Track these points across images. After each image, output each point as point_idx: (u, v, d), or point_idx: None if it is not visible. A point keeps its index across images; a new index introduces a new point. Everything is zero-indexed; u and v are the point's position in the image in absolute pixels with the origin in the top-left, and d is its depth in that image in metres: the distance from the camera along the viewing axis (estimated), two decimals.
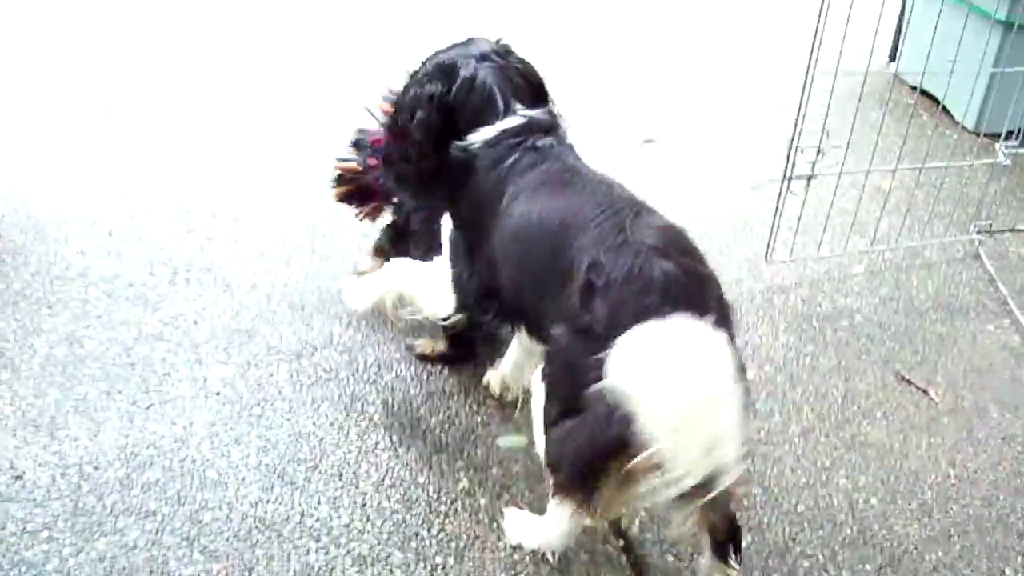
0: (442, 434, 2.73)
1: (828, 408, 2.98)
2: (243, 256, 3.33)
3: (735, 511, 2.27)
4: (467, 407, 2.82)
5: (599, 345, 1.90)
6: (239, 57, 4.64)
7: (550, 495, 2.24)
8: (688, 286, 1.97)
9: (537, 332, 2.33)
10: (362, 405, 2.79)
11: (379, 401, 2.81)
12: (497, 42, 2.53)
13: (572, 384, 2.01)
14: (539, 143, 2.36)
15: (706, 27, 5.57)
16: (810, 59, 3.18)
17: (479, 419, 2.79)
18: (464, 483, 2.60)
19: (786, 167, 3.41)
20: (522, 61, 2.51)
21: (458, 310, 2.54)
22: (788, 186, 3.44)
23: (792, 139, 3.34)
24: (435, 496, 2.55)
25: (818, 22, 3.10)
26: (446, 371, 2.93)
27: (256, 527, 2.42)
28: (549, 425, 2.14)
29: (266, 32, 4.95)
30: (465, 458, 2.67)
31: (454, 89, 2.41)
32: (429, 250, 2.64)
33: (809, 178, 3.45)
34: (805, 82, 3.23)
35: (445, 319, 2.57)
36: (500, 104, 2.40)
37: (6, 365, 2.84)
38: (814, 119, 3.25)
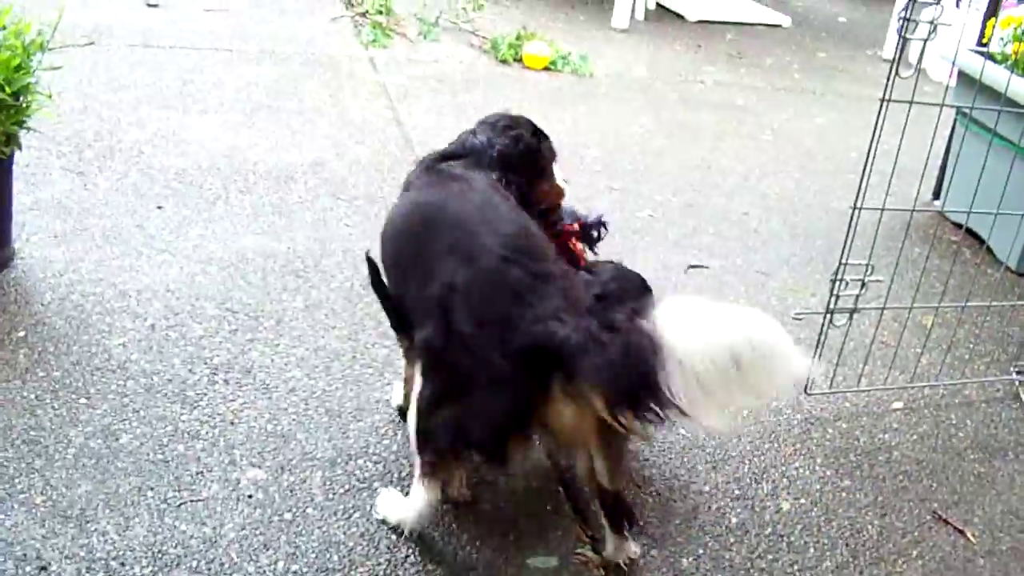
0: (473, 552, 2.70)
1: (863, 544, 2.94)
2: (283, 360, 3.34)
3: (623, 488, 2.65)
4: (498, 526, 2.79)
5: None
6: (288, 159, 4.70)
7: (417, 477, 2.60)
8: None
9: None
10: None
11: None
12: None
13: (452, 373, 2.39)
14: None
15: (757, 158, 5.61)
16: (857, 194, 3.20)
17: (510, 538, 2.76)
18: None
19: (829, 300, 3.41)
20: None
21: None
22: (830, 319, 3.44)
23: (836, 272, 3.34)
24: None
25: (867, 159, 3.12)
26: (479, 485, 2.91)
27: None
28: (428, 412, 2.47)
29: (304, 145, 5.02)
30: None
31: None
32: None
33: (852, 311, 3.44)
34: (852, 217, 3.24)
35: None
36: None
37: (40, 454, 2.84)
38: (859, 253, 3.25)
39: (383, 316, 3.30)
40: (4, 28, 3.40)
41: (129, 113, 4.87)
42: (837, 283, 3.39)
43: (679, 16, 7.93)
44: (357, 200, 4.43)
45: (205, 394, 3.15)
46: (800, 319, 3.83)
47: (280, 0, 6.87)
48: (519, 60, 6.32)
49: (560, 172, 3.05)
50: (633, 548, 2.72)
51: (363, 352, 3.43)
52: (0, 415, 2.98)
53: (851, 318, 3.45)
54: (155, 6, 6.33)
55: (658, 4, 7.91)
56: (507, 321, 2.32)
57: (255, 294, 3.67)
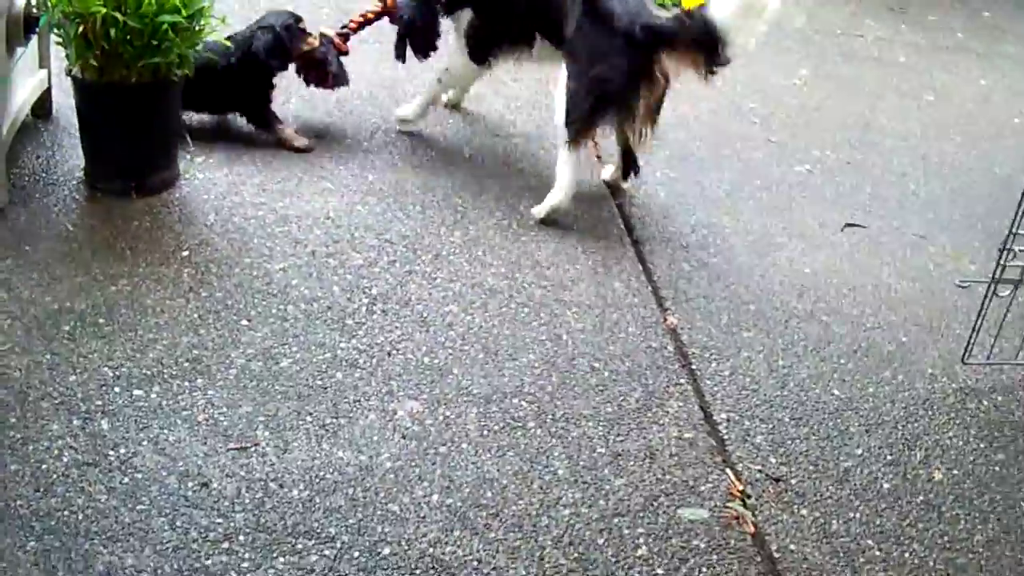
0: (625, 497, 2.68)
1: (1015, 520, 2.84)
2: (441, 294, 3.34)
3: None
4: (652, 473, 2.76)
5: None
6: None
7: (565, 150, 3.82)
8: None
9: (554, 37, 3.92)
10: (547, 458, 2.76)
11: (564, 456, 2.77)
12: None
13: (595, 54, 3.73)
14: None
15: (918, 118, 5.43)
16: None
17: (664, 487, 2.73)
18: (643, 550, 2.54)
19: (995, 269, 3.28)
20: None
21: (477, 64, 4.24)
22: (994, 288, 3.31)
23: (1005, 241, 3.21)
24: (612, 559, 2.50)
25: None
26: (634, 432, 2.88)
27: (433, 568, 2.40)
28: (575, 90, 3.76)
29: None
30: (646, 525, 2.61)
31: None
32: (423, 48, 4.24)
33: (1017, 283, 3.32)
34: None
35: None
36: None
37: (203, 372, 2.89)
38: None
39: (540, 256, 3.50)
40: None
41: None
42: (1004, 252, 3.26)
43: None
44: (515, 138, 4.40)
45: (363, 323, 3.17)
46: (964, 287, 3.70)
47: None
48: (677, 4, 6.18)
49: None
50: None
51: (520, 290, 3.41)
52: (166, 331, 3.03)
53: (1016, 289, 3.32)
54: None
55: None
56: (635, 14, 3.66)
57: (413, 226, 3.67)
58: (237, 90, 3.95)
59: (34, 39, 3.62)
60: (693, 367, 3.21)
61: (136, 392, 2.80)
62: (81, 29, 3.31)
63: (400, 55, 4.25)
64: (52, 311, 3.08)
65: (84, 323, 3.04)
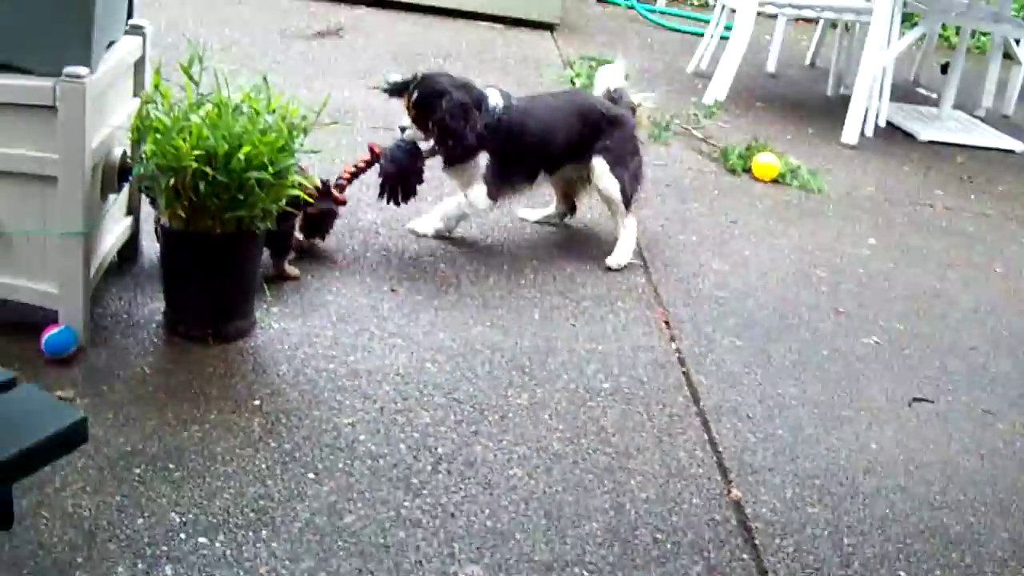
0: None
1: None
2: (505, 456, 3.36)
3: None
4: None
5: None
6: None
7: (625, 221, 4.90)
8: None
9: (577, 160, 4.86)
10: None
11: None
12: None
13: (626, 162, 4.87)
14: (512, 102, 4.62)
15: (987, 290, 5.42)
16: None
17: None
18: None
19: None
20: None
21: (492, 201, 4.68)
22: None
23: None
24: None
25: None
26: None
27: None
28: (624, 177, 4.86)
29: None
30: None
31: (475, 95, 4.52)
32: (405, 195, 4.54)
33: None
34: None
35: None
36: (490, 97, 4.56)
37: (267, 524, 2.92)
38: None
39: (605, 423, 3.56)
40: (273, 112, 3.54)
41: (369, 194, 5.01)
42: None
43: (909, 135, 7.77)
44: (584, 301, 4.45)
45: (428, 482, 3.19)
46: None
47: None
48: (747, 170, 6.28)
49: None
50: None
51: (585, 457, 3.43)
52: (234, 480, 3.07)
53: None
54: None
55: (888, 122, 7.76)
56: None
57: (482, 387, 3.71)
58: None
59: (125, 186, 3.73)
60: (756, 542, 3.19)
61: (201, 540, 2.83)
62: (172, 181, 3.42)
63: (391, 198, 4.56)
64: (125, 452, 3.13)
65: (155, 467, 3.09)
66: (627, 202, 4.85)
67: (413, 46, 7.73)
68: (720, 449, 3.61)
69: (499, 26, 8.74)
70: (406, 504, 3.09)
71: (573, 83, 7.05)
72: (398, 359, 3.80)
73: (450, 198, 4.77)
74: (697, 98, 7.54)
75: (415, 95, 4.48)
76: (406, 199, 4.58)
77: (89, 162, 3.39)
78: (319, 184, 4.14)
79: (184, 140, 3.38)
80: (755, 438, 3.70)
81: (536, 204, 5.23)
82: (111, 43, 3.65)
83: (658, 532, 3.15)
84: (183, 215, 3.51)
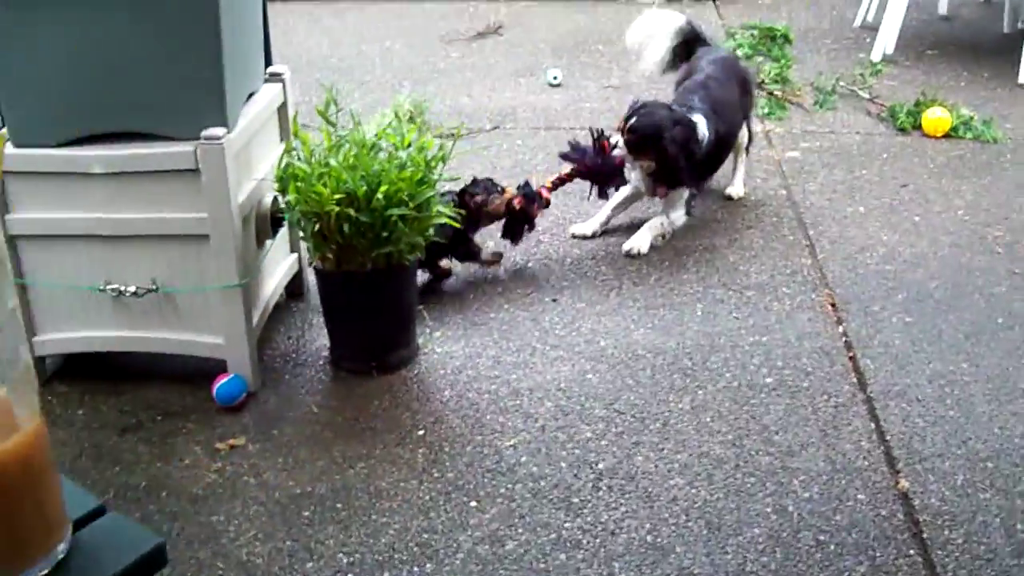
0: None
1: None
2: (667, 466, 3.36)
3: None
4: None
5: None
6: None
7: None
8: None
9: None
10: None
11: None
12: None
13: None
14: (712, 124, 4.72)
15: None
16: None
17: None
18: None
19: None
20: None
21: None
22: None
23: None
24: None
25: None
26: None
27: None
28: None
29: None
30: None
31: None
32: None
33: None
34: None
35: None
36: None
37: (431, 557, 3.01)
38: None
39: (768, 420, 3.53)
40: (409, 146, 3.62)
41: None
42: None
43: None
44: (748, 290, 4.39)
45: (589, 501, 3.22)
46: None
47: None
48: (918, 127, 6.07)
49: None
50: None
51: (747, 460, 3.40)
52: (398, 515, 3.17)
53: None
54: (557, 86, 6.55)
55: None
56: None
57: (643, 394, 3.72)
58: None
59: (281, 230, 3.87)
60: (924, 536, 3.11)
61: None
62: (317, 227, 3.53)
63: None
64: (295, 495, 3.27)
65: (323, 508, 3.22)
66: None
67: (572, 36, 7.74)
68: (887, 437, 3.52)
69: (661, 2, 8.62)
70: (567, 525, 3.13)
71: (736, 53, 6.91)
72: (559, 372, 3.84)
73: (654, 219, 4.84)
74: (865, 54, 7.32)
75: (632, 123, 4.57)
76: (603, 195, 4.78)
77: (237, 217, 3.53)
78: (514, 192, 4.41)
79: (324, 185, 3.48)
80: (924, 422, 3.59)
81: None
82: (251, 95, 3.77)
83: (821, 533, 3.11)
84: (332, 256, 3.61)
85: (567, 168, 4.62)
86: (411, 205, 3.53)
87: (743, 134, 5.12)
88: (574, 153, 4.59)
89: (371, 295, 3.71)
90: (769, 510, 3.20)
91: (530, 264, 4.59)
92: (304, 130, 3.81)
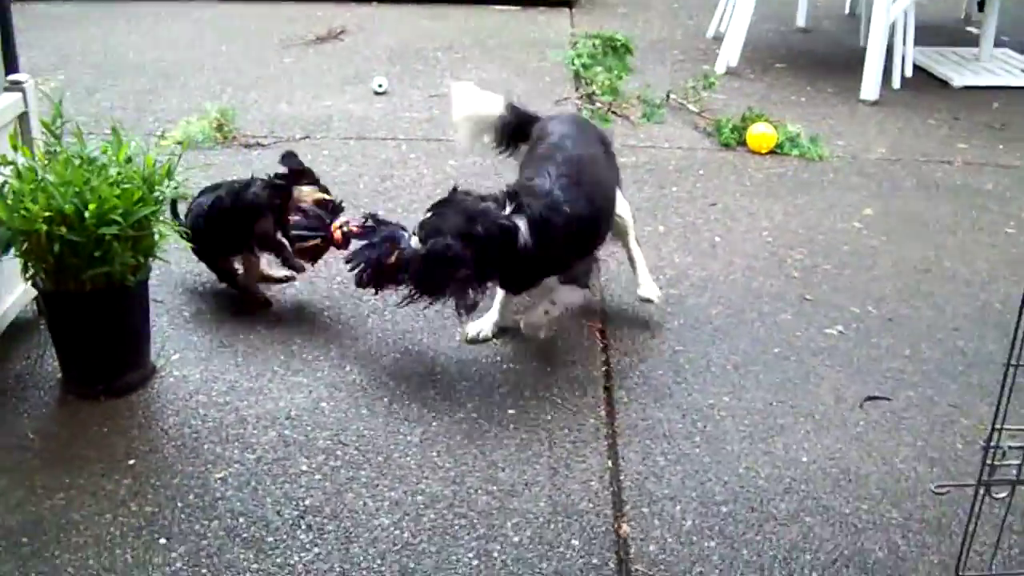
0: None
1: None
2: (376, 504, 3.24)
3: None
4: None
5: None
6: None
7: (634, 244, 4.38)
8: None
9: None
10: None
11: None
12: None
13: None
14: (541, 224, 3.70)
15: (988, 258, 5.06)
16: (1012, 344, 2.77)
17: None
18: None
19: (981, 470, 2.95)
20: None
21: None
22: (984, 491, 2.97)
23: (989, 438, 2.89)
24: None
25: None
26: None
27: None
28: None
29: None
30: None
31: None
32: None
33: (1014, 483, 2.97)
34: (1008, 366, 2.81)
35: None
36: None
37: None
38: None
39: (498, 456, 3.44)
40: (130, 161, 3.46)
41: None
42: (992, 451, 2.93)
43: (943, 82, 7.33)
44: (515, 315, 4.26)
45: (283, 541, 3.09)
46: (942, 493, 3.37)
47: (511, 83, 6.81)
48: (744, 143, 6.00)
49: None
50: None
51: (463, 498, 3.28)
52: (81, 552, 3.02)
53: (1013, 491, 2.97)
54: (382, 93, 6.40)
55: (922, 69, 7.32)
56: None
57: (375, 424, 3.59)
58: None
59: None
60: None
61: None
62: (26, 246, 3.36)
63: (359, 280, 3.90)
64: None
65: (8, 541, 3.06)
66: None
67: (414, 42, 7.61)
68: (622, 477, 3.42)
69: (515, 8, 8.53)
70: (253, 567, 3.00)
71: (573, 63, 6.81)
72: (293, 400, 3.71)
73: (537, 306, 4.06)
74: (711, 66, 7.23)
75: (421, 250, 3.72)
76: (374, 287, 3.92)
77: None
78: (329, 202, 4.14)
79: (34, 202, 3.30)
80: (665, 460, 3.49)
81: None
82: None
83: None
84: (47, 276, 3.44)
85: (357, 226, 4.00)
86: (127, 223, 3.35)
87: (624, 208, 4.25)
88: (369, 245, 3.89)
89: (93, 317, 3.55)
90: (471, 555, 3.07)
91: (297, 283, 4.44)
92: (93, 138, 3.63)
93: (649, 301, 4.28)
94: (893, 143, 6.26)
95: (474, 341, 4.08)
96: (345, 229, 4.00)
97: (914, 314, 4.47)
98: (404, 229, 3.85)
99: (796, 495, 3.37)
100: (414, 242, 3.72)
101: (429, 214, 3.75)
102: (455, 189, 3.86)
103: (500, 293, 4.08)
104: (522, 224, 3.67)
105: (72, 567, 2.97)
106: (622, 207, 4.22)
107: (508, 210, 3.69)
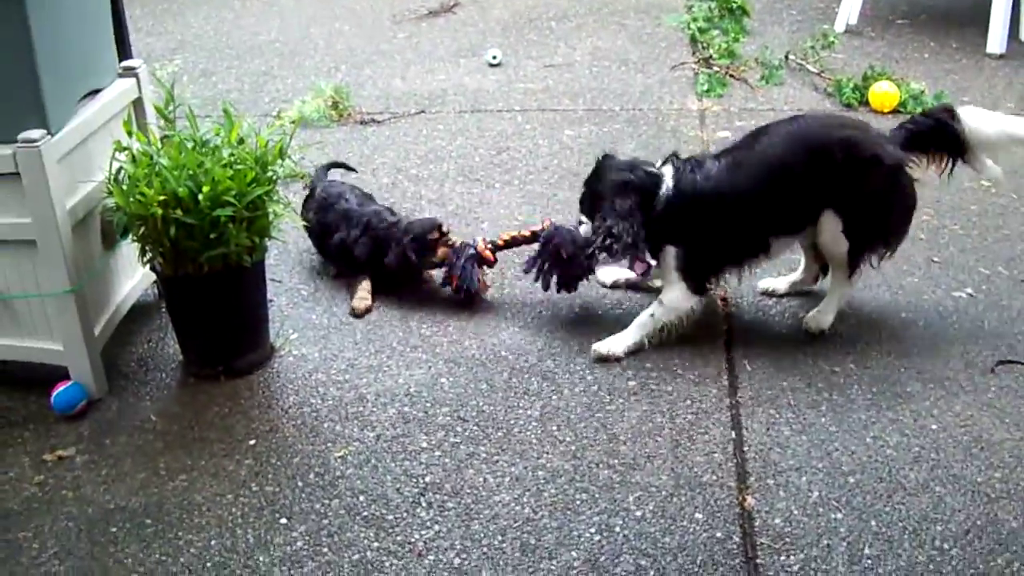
0: None
1: None
2: (497, 480, 3.22)
3: None
4: None
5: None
6: None
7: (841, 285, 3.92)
8: None
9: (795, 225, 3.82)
10: None
11: None
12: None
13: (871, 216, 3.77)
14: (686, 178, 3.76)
15: None
16: None
17: None
18: None
19: None
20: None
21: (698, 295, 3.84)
22: None
23: None
24: None
25: None
26: None
27: None
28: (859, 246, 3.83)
29: None
30: None
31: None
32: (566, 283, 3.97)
33: None
34: None
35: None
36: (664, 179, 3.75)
37: None
38: None
39: (619, 429, 3.38)
40: (242, 142, 3.45)
41: (435, 188, 4.89)
42: None
43: None
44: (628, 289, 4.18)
45: (403, 518, 3.07)
46: None
47: (626, 51, 6.69)
48: (865, 103, 5.81)
49: None
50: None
51: (584, 473, 3.22)
52: (203, 533, 3.05)
53: None
54: (497, 66, 6.34)
55: None
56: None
57: (494, 400, 3.55)
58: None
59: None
60: (758, 561, 2.91)
61: None
62: (142, 230, 3.38)
63: (545, 285, 3.97)
64: (108, 511, 3.15)
65: (132, 524, 3.10)
66: (854, 266, 3.83)
67: (527, 12, 7.52)
68: (745, 448, 3.32)
69: None
70: (374, 546, 2.99)
71: (689, 27, 6.66)
72: (412, 376, 3.69)
73: (644, 312, 3.88)
74: (830, 24, 7.02)
75: (585, 189, 3.94)
76: (568, 289, 3.99)
77: (66, 221, 3.40)
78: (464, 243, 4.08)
79: (149, 186, 3.32)
80: (790, 430, 3.39)
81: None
82: (92, 92, 3.62)
83: (644, 557, 2.92)
84: (165, 260, 3.47)
85: (527, 233, 4.09)
86: (241, 204, 3.35)
87: (837, 245, 3.81)
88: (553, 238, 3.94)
89: (211, 299, 3.57)
90: (593, 531, 3.02)
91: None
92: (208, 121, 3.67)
93: (808, 329, 3.93)
94: (1022, 97, 5.98)
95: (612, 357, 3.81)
96: (490, 247, 4.06)
97: None
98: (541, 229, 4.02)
99: (926, 464, 3.24)
100: (583, 229, 3.92)
101: (587, 185, 3.93)
102: (605, 155, 3.94)
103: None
104: (668, 174, 3.76)
105: (195, 548, 2.98)
106: (834, 240, 3.79)
107: (659, 163, 3.83)
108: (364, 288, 4.09)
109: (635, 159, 3.90)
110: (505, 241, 4.08)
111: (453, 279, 4.01)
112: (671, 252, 3.80)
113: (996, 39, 6.54)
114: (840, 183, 3.68)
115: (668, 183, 3.74)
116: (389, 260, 4.02)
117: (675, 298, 3.81)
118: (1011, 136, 3.74)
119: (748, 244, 3.81)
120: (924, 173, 3.82)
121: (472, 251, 4.00)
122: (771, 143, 3.77)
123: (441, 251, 4.03)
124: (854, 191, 3.70)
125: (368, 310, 4.04)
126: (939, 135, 3.77)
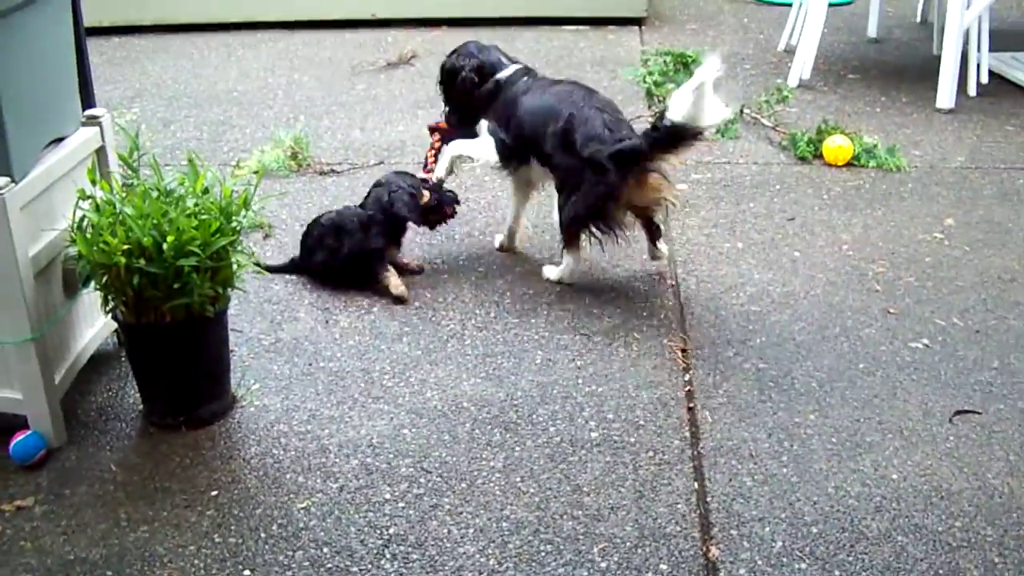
0: None
1: None
2: (461, 532, 3.20)
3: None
4: None
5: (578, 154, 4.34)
6: None
7: (565, 248, 4.57)
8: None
9: (544, 159, 4.52)
10: None
11: None
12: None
13: (574, 177, 4.42)
14: (527, 77, 4.71)
15: None
16: None
17: None
18: None
19: None
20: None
21: (499, 160, 4.70)
22: None
23: None
24: None
25: None
26: None
27: None
28: (564, 206, 4.49)
29: None
30: None
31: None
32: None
33: None
34: None
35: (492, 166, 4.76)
36: (504, 62, 4.76)
37: None
38: None
39: (582, 480, 3.36)
40: (206, 192, 3.46)
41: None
42: None
43: (1020, 88, 7.16)
44: (595, 336, 4.23)
45: (368, 571, 3.06)
46: None
47: None
48: (819, 156, 5.90)
49: None
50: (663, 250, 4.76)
51: (548, 524, 3.23)
52: None
53: None
54: None
55: (994, 74, 7.15)
56: (602, 139, 4.30)
57: (457, 451, 3.55)
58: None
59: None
60: None
61: None
62: (105, 279, 3.37)
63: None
64: (67, 562, 3.11)
65: (92, 575, 3.04)
66: (562, 234, 4.63)
67: None
68: (708, 499, 3.35)
69: (585, 27, 8.50)
70: None
71: (645, 81, 6.76)
72: (375, 427, 3.68)
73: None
74: (784, 79, 7.14)
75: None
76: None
77: (28, 268, 3.37)
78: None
79: (113, 235, 3.32)
80: (752, 481, 3.42)
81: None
82: (56, 140, 3.61)
83: None
84: (127, 308, 3.45)
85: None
86: (205, 254, 3.35)
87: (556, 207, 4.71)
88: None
89: (173, 348, 3.55)
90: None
91: (375, 308, 4.41)
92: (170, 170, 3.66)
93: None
94: (972, 151, 6.11)
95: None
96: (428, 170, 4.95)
97: (1001, 325, 4.35)
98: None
99: (887, 514, 3.28)
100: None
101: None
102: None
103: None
104: (508, 68, 4.76)
105: None
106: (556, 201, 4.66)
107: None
108: (391, 275, 4.50)
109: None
110: (433, 158, 4.98)
111: (444, 212, 4.79)
112: (484, 123, 4.75)
113: (946, 94, 6.68)
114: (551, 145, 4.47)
115: (504, 73, 4.71)
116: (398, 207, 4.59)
117: (485, 150, 4.72)
118: (695, 94, 4.05)
119: (524, 151, 4.63)
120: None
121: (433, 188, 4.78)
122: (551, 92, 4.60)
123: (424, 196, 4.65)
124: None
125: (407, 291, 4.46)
126: (674, 135, 4.19)
